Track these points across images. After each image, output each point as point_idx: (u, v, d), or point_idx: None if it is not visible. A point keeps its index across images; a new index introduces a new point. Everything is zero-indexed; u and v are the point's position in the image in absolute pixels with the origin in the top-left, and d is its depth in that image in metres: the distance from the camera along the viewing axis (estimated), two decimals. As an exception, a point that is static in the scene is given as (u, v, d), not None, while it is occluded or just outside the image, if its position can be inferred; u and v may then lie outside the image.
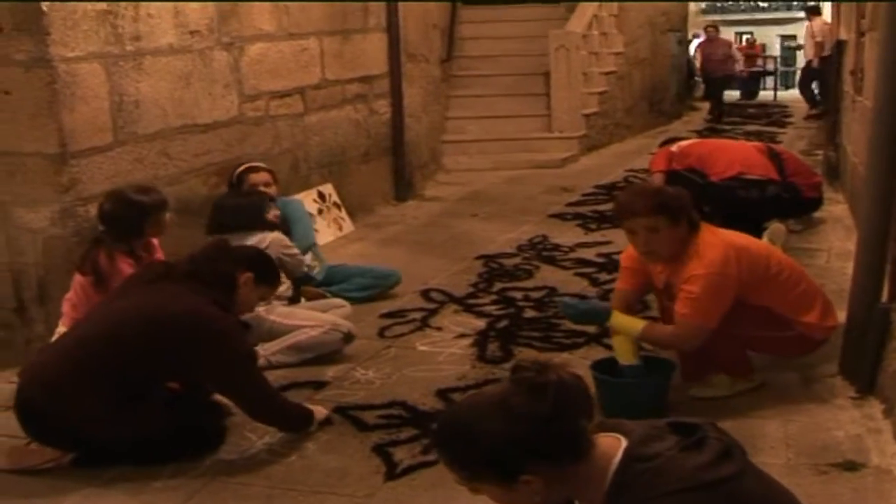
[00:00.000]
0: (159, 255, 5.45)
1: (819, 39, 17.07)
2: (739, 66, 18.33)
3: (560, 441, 2.34)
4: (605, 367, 4.80)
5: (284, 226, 6.40)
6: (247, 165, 6.76)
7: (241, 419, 4.64)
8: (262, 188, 6.51)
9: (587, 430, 2.40)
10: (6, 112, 5.75)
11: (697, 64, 18.25)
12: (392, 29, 9.81)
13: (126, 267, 5.12)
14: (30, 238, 5.81)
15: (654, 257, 4.72)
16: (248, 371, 4.43)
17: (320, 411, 4.78)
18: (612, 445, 2.40)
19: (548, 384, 2.36)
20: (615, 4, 14.44)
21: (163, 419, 4.33)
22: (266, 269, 4.76)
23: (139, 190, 5.45)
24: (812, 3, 19.04)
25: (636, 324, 4.72)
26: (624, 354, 4.76)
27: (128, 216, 5.26)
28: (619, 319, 4.72)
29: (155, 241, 5.47)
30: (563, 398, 2.35)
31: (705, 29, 18.80)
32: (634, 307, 4.99)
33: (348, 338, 5.75)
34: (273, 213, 6.19)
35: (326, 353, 5.66)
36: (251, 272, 4.59)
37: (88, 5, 5.97)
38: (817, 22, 17.42)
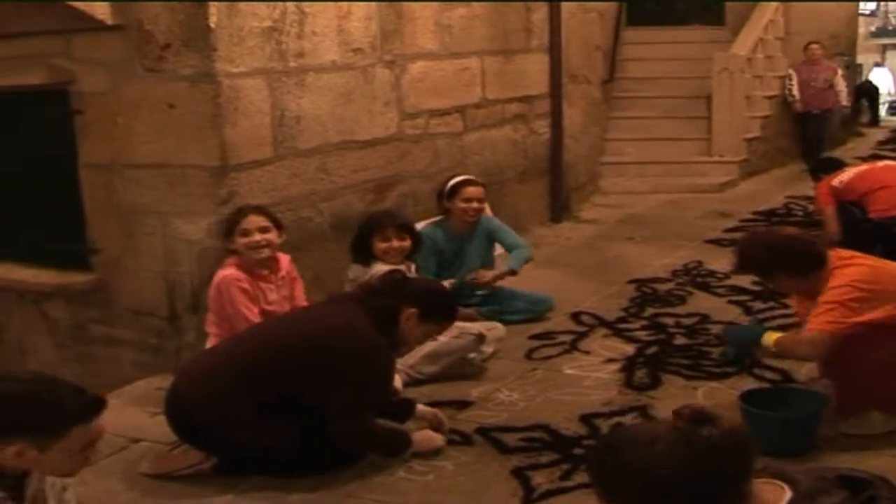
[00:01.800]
0: (285, 272, 5.42)
1: None
2: (843, 99, 13.88)
3: (719, 490, 2.18)
4: (754, 399, 4.59)
5: (490, 240, 6.66)
6: (464, 177, 6.76)
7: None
8: (475, 204, 6.58)
9: (741, 487, 2.22)
10: (170, 125, 5.84)
11: (794, 91, 13.61)
12: (554, 50, 9.68)
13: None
14: (186, 248, 5.89)
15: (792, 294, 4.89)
16: (362, 400, 4.34)
17: (434, 440, 4.65)
18: (775, 496, 2.21)
19: (695, 442, 2.17)
20: (782, 27, 14.05)
21: (301, 431, 4.30)
22: (434, 307, 4.56)
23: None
24: None
25: (773, 335, 4.72)
26: None
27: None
28: (770, 336, 4.73)
29: (281, 257, 5.43)
30: (710, 461, 2.15)
31: (806, 47, 13.83)
32: None
33: (481, 339, 5.71)
34: (384, 245, 5.84)
35: (463, 356, 5.65)
36: (416, 308, 4.45)
37: (255, 22, 6.03)
38: None
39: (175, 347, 5.98)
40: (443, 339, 5.48)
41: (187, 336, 5.93)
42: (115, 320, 6.27)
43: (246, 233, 5.20)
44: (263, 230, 5.23)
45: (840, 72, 13.88)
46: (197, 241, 5.82)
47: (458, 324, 5.61)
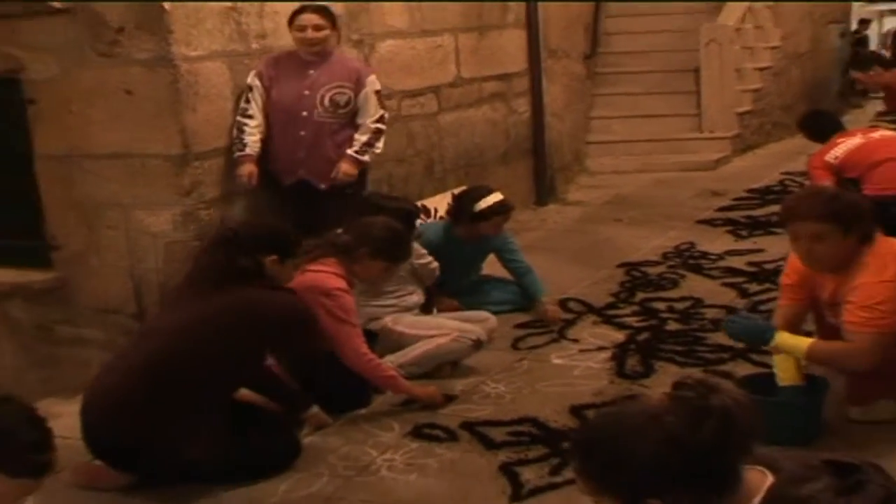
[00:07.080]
0: None
1: None
2: (358, 147, 6.25)
3: (709, 475, 2.19)
4: (753, 385, 4.58)
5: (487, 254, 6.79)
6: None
7: (361, 436, 4.62)
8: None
9: (740, 465, 2.25)
10: (127, 113, 5.83)
11: (247, 135, 6.07)
12: (532, 24, 9.70)
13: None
14: (150, 242, 5.88)
15: (818, 267, 4.50)
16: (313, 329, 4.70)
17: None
18: (757, 482, 2.24)
19: (711, 410, 2.21)
20: (771, -6, 14.07)
21: (233, 437, 4.35)
22: (282, 244, 4.65)
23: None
24: None
25: (802, 342, 4.44)
26: (787, 374, 4.48)
27: None
28: (784, 338, 4.44)
29: None
30: (725, 429, 2.19)
31: (293, 18, 6.29)
32: (800, 326, 4.75)
33: (478, 345, 5.65)
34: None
35: (456, 360, 5.61)
36: (273, 254, 4.54)
37: (212, 2, 6.02)
38: None
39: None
40: (441, 341, 5.51)
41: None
42: (79, 320, 6.25)
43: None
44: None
45: (374, 82, 6.39)
46: (162, 234, 5.82)
47: (456, 324, 5.65)
